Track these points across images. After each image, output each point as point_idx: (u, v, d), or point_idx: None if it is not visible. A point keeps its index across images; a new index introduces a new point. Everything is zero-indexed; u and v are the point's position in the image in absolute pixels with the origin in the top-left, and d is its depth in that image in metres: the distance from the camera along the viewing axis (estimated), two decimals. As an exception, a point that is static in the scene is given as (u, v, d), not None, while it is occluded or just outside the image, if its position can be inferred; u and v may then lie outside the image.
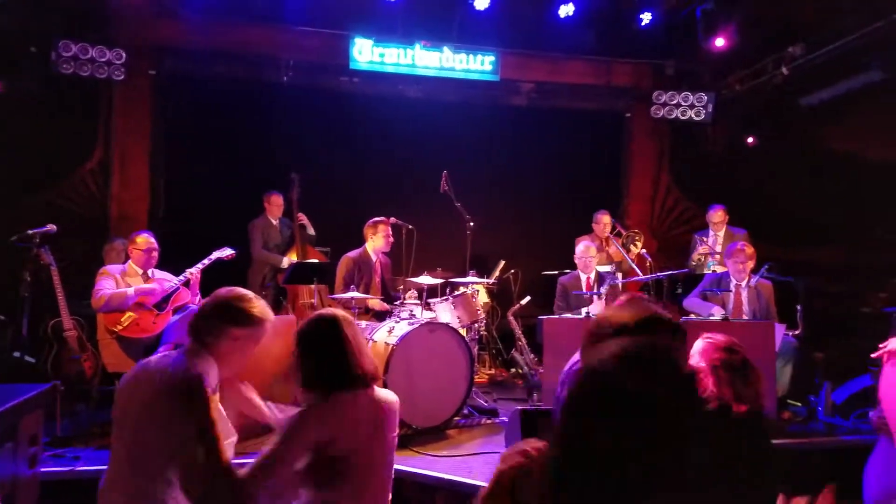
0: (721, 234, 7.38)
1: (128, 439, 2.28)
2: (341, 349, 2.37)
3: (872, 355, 2.51)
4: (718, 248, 7.26)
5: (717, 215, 7.40)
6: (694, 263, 7.40)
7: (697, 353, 2.38)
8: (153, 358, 2.42)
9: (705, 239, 7.36)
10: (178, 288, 5.31)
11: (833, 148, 8.47)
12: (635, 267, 6.80)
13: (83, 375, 5.20)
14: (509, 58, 8.28)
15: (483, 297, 7.09)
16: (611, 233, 7.51)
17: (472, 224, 6.97)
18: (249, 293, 2.48)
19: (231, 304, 2.41)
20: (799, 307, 5.96)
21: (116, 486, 2.28)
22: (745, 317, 5.89)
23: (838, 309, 7.74)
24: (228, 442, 2.38)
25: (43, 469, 3.88)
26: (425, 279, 5.99)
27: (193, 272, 5.36)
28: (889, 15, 6.24)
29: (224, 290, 2.48)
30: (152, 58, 7.67)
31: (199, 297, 5.45)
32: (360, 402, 2.38)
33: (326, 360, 2.36)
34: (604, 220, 7.49)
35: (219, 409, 2.36)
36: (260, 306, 2.46)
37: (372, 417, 2.39)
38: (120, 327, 5.10)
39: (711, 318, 5.60)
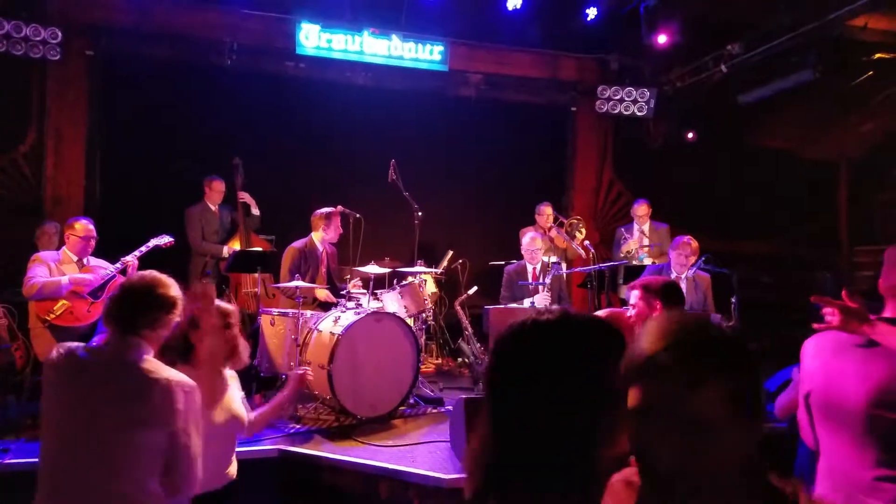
0: (646, 227, 7.69)
1: (96, 439, 2.20)
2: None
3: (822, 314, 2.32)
4: (646, 241, 7.53)
5: (641, 209, 7.70)
6: (623, 255, 7.60)
7: None
8: (91, 348, 2.35)
9: (641, 233, 7.61)
10: (114, 275, 5.16)
11: (768, 145, 8.80)
12: (582, 252, 6.92)
13: (13, 366, 5.02)
14: (458, 48, 8.28)
15: (431, 287, 7.10)
16: (553, 223, 7.62)
17: (420, 214, 6.97)
18: (161, 276, 2.49)
19: (160, 292, 2.41)
20: (734, 299, 6.16)
21: (99, 489, 2.19)
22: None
23: (771, 300, 8.05)
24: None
25: (-30, 462, 3.74)
26: (372, 269, 5.97)
27: (130, 260, 5.21)
28: (823, 16, 6.48)
29: (140, 280, 2.45)
30: (89, 38, 7.38)
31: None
32: None
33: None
34: (546, 212, 7.60)
35: None
36: (175, 285, 2.49)
37: None
38: (53, 316, 4.93)
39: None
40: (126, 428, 2.18)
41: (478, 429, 1.24)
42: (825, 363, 2.27)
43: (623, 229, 7.74)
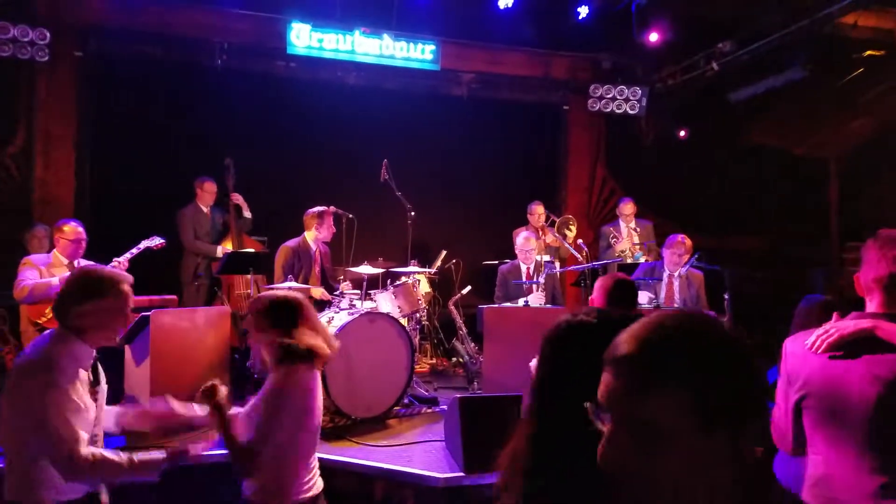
0: (632, 225, 7.71)
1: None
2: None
3: (816, 349, 2.11)
4: (636, 240, 7.57)
5: (628, 207, 7.72)
6: (618, 255, 7.60)
7: None
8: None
9: (633, 231, 7.62)
10: (106, 278, 5.11)
11: (759, 142, 8.83)
12: (574, 251, 6.93)
13: (5, 369, 4.98)
14: (449, 47, 8.27)
15: (424, 287, 7.09)
16: (545, 222, 7.61)
17: (413, 213, 6.95)
18: (94, 266, 2.61)
19: (79, 282, 2.48)
20: (727, 296, 6.17)
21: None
22: (676, 305, 6.08)
23: (763, 296, 8.07)
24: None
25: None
26: (366, 269, 5.96)
27: (121, 261, 5.18)
28: (813, 14, 6.51)
29: (76, 271, 2.62)
30: (78, 38, 7.35)
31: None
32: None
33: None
34: (538, 211, 7.59)
35: (76, 391, 2.36)
36: (106, 274, 2.52)
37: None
38: (44, 319, 4.91)
39: (642, 305, 5.75)
40: (3, 411, 2.34)
41: (514, 438, 1.31)
42: (824, 365, 2.10)
43: (611, 227, 7.72)
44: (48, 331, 2.50)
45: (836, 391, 2.07)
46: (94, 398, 2.46)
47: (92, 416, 2.41)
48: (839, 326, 2.09)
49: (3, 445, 2.39)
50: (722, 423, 0.90)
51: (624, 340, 0.95)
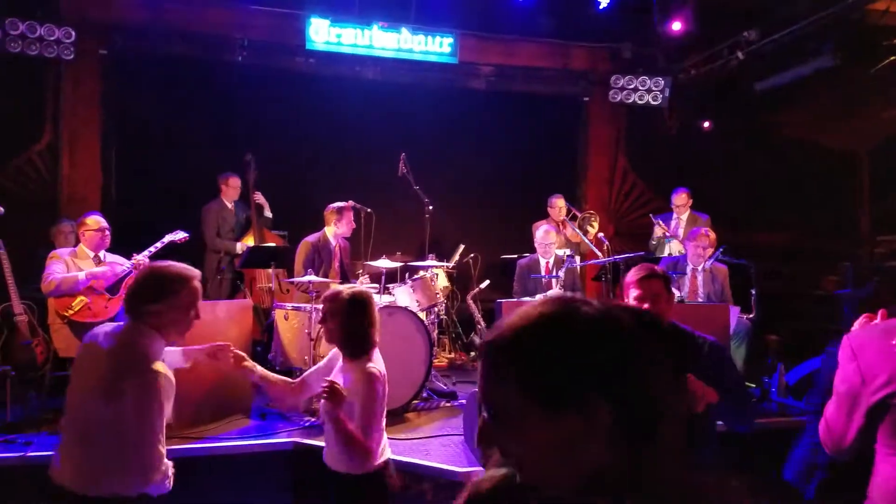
0: (684, 217, 7.39)
1: (77, 411, 2.44)
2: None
3: None
4: (680, 232, 7.27)
5: (679, 198, 7.40)
6: (654, 243, 7.47)
7: None
8: (100, 331, 2.54)
9: (660, 221, 7.41)
10: (130, 271, 5.21)
11: (785, 133, 8.65)
12: (594, 248, 6.86)
13: (34, 361, 5.08)
14: (468, 40, 8.24)
15: (442, 281, 7.09)
16: (566, 216, 7.55)
17: (430, 207, 6.94)
18: (164, 264, 2.60)
19: (151, 280, 2.53)
20: (753, 291, 6.06)
21: (66, 460, 2.42)
22: (700, 299, 5.99)
23: (790, 292, 7.92)
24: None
25: (-8, 455, 3.81)
26: (384, 263, 5.97)
27: (140, 258, 5.27)
28: (842, 0, 6.36)
29: (145, 269, 2.65)
30: (102, 37, 7.46)
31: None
32: None
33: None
34: (558, 204, 7.52)
35: (166, 376, 2.42)
36: (176, 270, 2.57)
37: None
38: (71, 311, 5.01)
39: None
40: (92, 397, 2.41)
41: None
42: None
43: (659, 219, 7.46)
44: (116, 324, 2.56)
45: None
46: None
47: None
48: None
49: (85, 441, 2.39)
50: (561, 404, 0.88)
51: (490, 330, 0.97)
